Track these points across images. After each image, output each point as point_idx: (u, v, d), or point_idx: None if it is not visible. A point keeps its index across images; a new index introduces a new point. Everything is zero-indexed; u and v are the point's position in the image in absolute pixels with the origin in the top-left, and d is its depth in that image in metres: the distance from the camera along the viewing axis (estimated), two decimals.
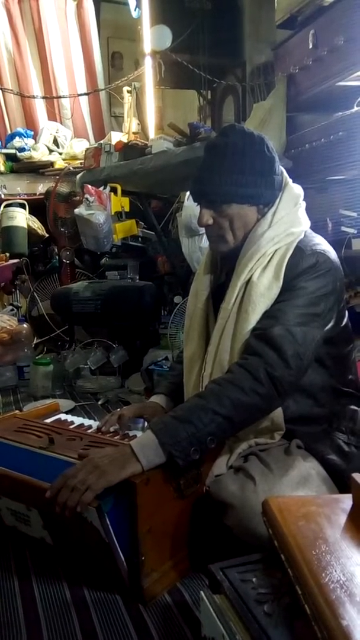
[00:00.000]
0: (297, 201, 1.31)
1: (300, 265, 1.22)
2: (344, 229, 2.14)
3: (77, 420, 1.50)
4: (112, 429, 1.39)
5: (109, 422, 1.39)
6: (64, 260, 3.51)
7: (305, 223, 1.31)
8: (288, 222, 1.27)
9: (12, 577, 1.19)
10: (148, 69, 3.56)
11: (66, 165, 3.95)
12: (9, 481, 1.16)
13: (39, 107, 4.51)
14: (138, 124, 3.72)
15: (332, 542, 0.82)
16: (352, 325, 1.38)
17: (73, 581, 1.16)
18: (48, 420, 1.49)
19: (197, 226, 2.32)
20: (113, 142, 3.32)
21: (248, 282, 1.25)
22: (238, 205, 1.27)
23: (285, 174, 1.33)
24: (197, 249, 2.44)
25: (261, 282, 1.23)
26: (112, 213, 2.98)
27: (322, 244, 1.28)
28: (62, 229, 3.52)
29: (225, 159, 1.25)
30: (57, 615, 1.06)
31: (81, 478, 1.02)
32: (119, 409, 1.46)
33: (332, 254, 1.28)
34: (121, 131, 3.71)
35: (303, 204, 1.33)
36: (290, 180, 1.33)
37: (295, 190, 1.32)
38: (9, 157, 4.03)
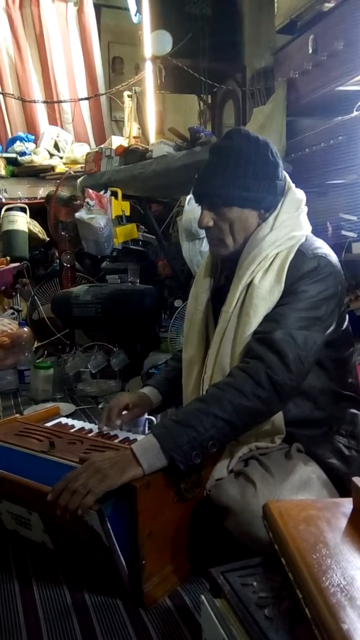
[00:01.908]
0: (300, 206, 1.32)
1: (301, 268, 1.22)
2: (344, 232, 2.15)
3: (78, 424, 1.50)
4: (112, 433, 1.39)
5: (109, 418, 1.39)
6: (65, 264, 3.52)
7: (306, 227, 1.31)
8: (290, 225, 1.28)
9: (12, 581, 1.19)
10: (148, 74, 3.58)
11: (67, 169, 3.96)
12: (9, 484, 1.17)
13: (40, 112, 4.53)
14: (139, 129, 3.74)
15: (333, 546, 0.82)
16: (352, 328, 1.38)
17: (74, 585, 1.16)
18: (48, 424, 1.49)
19: (198, 230, 2.36)
20: (114, 147, 3.33)
21: (249, 285, 1.25)
22: (239, 208, 1.27)
23: (288, 178, 1.33)
24: (197, 252, 2.44)
25: (262, 285, 1.23)
26: (113, 217, 2.99)
27: (324, 248, 1.28)
28: (62, 233, 3.53)
29: (230, 162, 1.26)
30: (58, 620, 1.06)
31: (82, 481, 1.02)
32: (107, 403, 1.45)
33: (334, 257, 1.28)
34: (122, 135, 3.72)
35: (305, 209, 1.33)
36: (293, 185, 1.33)
37: (297, 195, 1.33)
38: (10, 161, 4.04)
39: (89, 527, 1.03)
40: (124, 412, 1.43)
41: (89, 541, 1.07)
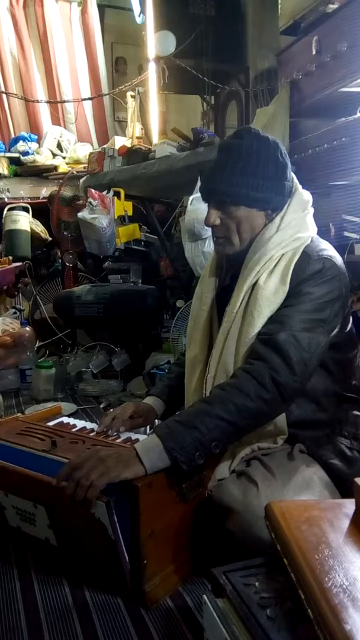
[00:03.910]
0: (306, 207, 1.32)
1: (306, 270, 1.22)
2: (346, 234, 2.14)
3: (80, 423, 1.50)
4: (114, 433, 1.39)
5: (111, 425, 1.39)
6: (67, 264, 3.52)
7: (312, 229, 1.31)
8: (295, 227, 1.28)
9: (14, 580, 1.19)
10: (152, 74, 3.58)
11: (70, 169, 3.96)
12: (17, 477, 1.17)
13: (43, 112, 4.53)
14: (141, 129, 3.74)
15: (335, 547, 0.82)
16: (356, 330, 1.38)
17: (75, 584, 1.16)
18: (50, 424, 1.50)
19: (200, 231, 2.35)
20: (117, 147, 3.34)
21: (254, 285, 1.25)
22: (247, 208, 1.27)
23: (295, 180, 1.33)
24: (199, 253, 2.44)
25: (267, 286, 1.23)
26: (115, 217, 2.99)
27: (329, 250, 1.28)
28: (65, 233, 3.53)
29: (239, 161, 1.25)
30: (59, 619, 1.06)
31: (85, 472, 1.03)
32: (112, 409, 1.46)
33: (339, 259, 1.28)
34: (125, 136, 3.73)
35: (311, 210, 1.33)
36: (300, 186, 1.33)
37: (304, 196, 1.32)
38: (13, 161, 4.04)
39: (96, 519, 1.03)
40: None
41: (94, 535, 1.07)
